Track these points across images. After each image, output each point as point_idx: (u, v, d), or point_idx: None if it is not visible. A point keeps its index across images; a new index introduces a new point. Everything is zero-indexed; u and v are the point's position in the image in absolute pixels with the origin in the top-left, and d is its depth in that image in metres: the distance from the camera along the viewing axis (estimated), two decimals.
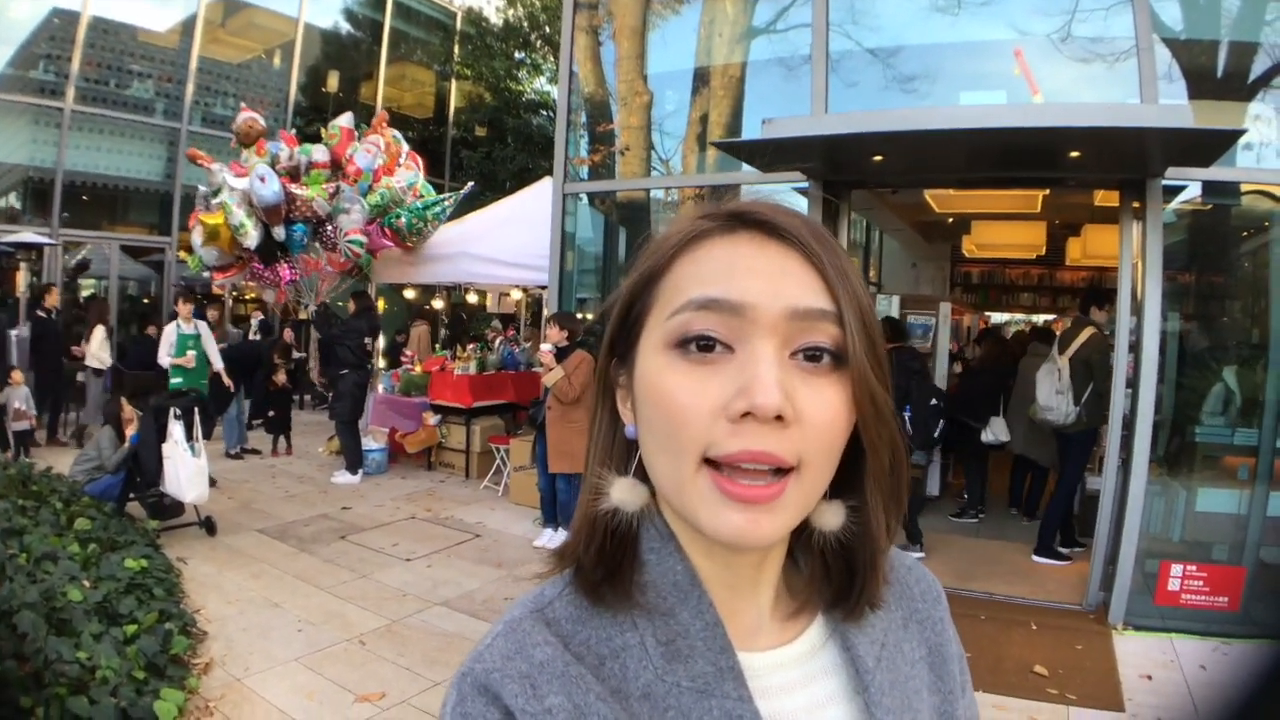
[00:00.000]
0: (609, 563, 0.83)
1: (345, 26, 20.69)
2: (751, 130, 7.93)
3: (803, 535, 0.85)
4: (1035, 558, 7.42)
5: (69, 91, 15.19)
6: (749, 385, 0.73)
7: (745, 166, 7.28)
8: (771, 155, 6.49)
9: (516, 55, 21.84)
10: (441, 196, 11.49)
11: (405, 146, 11.56)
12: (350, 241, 10.35)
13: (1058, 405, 7.13)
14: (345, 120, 11.22)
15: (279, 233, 10.25)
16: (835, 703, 0.88)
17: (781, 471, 0.75)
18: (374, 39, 20.99)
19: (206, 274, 11.41)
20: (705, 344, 0.76)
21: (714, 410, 0.74)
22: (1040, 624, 6.09)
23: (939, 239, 13.27)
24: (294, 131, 11.90)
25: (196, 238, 10.69)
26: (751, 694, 0.81)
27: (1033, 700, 4.94)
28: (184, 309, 10.13)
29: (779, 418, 0.73)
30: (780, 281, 0.76)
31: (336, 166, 10.81)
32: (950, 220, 11.54)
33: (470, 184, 12.58)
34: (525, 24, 22.01)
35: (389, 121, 11.75)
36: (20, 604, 4.42)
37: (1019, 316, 16.87)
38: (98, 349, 11.61)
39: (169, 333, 10.08)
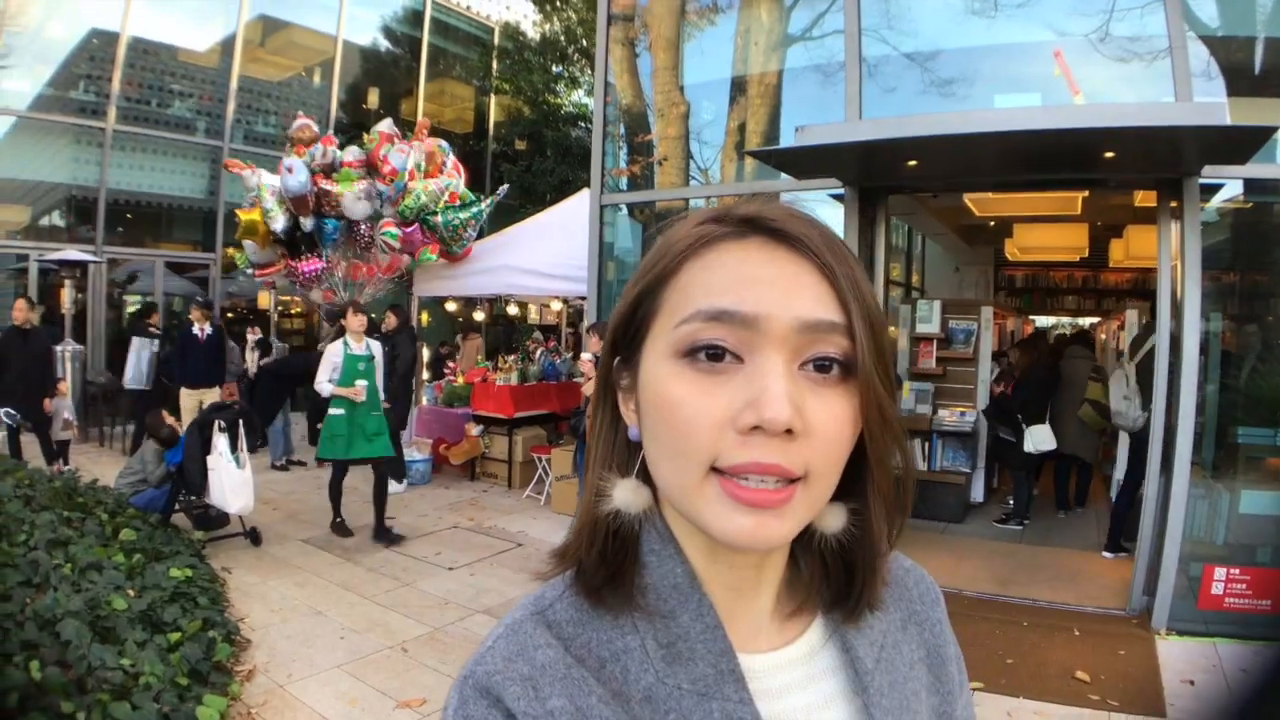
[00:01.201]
0: (610, 565, 0.84)
1: (384, 43, 20.77)
2: (788, 137, 7.91)
3: (804, 537, 0.85)
4: (1105, 554, 7.53)
5: (110, 111, 15.32)
6: (758, 398, 0.73)
7: (782, 175, 7.28)
8: (806, 163, 6.51)
9: (554, 69, 21.85)
10: (478, 197, 11.60)
11: (450, 156, 11.63)
12: (385, 234, 10.49)
13: (1127, 410, 7.16)
14: (385, 125, 11.35)
15: (307, 224, 10.41)
16: (834, 704, 0.89)
17: (789, 480, 0.75)
18: (413, 55, 21.06)
19: (250, 271, 11.55)
20: (714, 353, 0.76)
21: (721, 421, 0.74)
22: (1083, 629, 6.03)
23: (981, 243, 13.23)
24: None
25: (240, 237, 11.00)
26: (752, 696, 0.82)
27: (1074, 707, 4.88)
28: (355, 320, 8.32)
29: (788, 431, 0.73)
30: (791, 293, 0.76)
31: (371, 168, 10.93)
32: (992, 224, 11.50)
33: (504, 185, 12.59)
34: (562, 38, 22.01)
35: (430, 132, 11.80)
36: (64, 612, 4.50)
37: (1064, 320, 16.77)
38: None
39: (333, 353, 8.28)
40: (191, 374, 10.91)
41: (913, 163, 6.37)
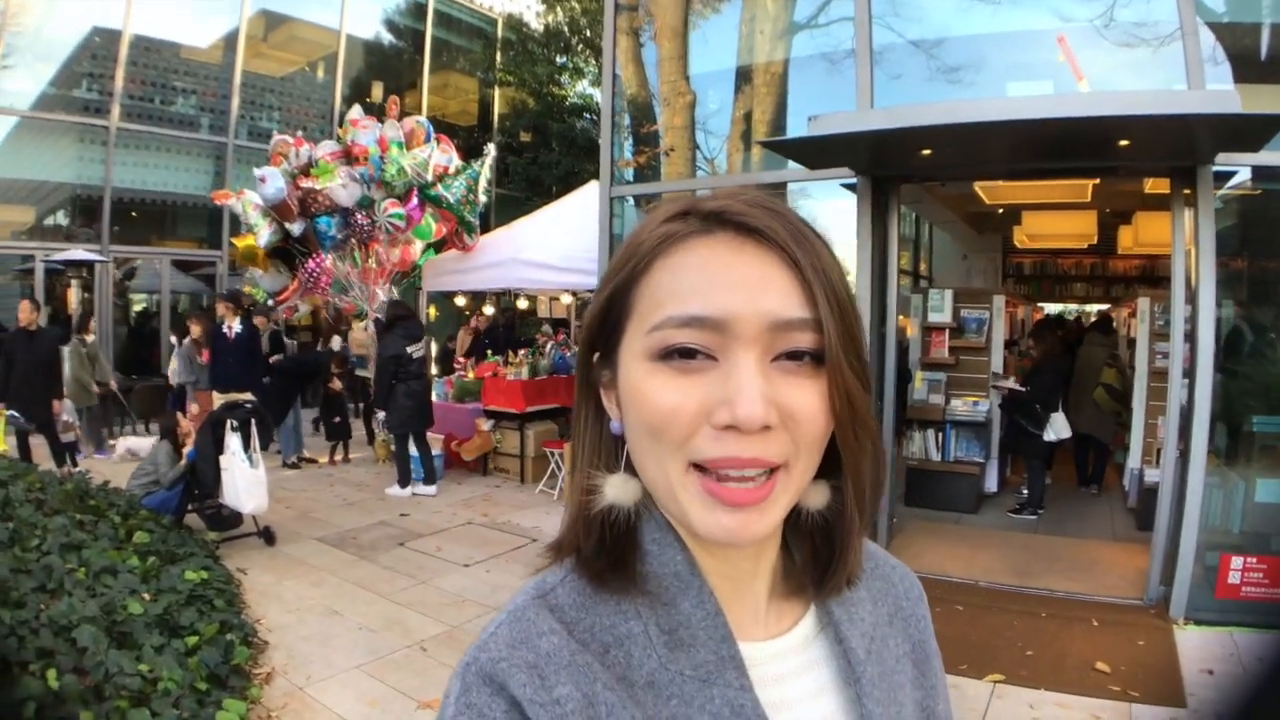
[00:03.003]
0: (611, 554, 0.84)
1: (387, 37, 20.81)
2: (796, 126, 7.95)
3: (791, 516, 0.86)
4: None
5: (114, 109, 15.37)
6: (733, 397, 0.74)
7: (791, 164, 7.23)
8: (819, 152, 6.47)
9: (558, 60, 21.83)
10: (469, 163, 11.62)
11: (429, 129, 11.52)
12: (391, 216, 10.46)
13: None
14: (354, 113, 11.38)
15: (295, 229, 10.35)
16: (828, 692, 0.91)
17: (769, 470, 0.77)
18: (416, 48, 21.08)
19: (270, 301, 11.48)
20: (687, 353, 0.77)
21: (697, 416, 0.76)
22: (1101, 620, 6.00)
23: (990, 230, 13.20)
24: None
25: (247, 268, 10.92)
26: (752, 683, 0.83)
27: (1095, 698, 4.87)
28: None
29: (765, 427, 0.75)
30: (760, 291, 0.77)
31: (348, 156, 10.95)
32: (1000, 211, 11.45)
33: (490, 145, 12.52)
34: (566, 28, 22.03)
35: (436, 126, 11.79)
36: (80, 618, 4.48)
37: (1072, 307, 16.74)
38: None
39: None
40: (221, 375, 10.59)
41: (927, 151, 6.34)
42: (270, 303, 11.52)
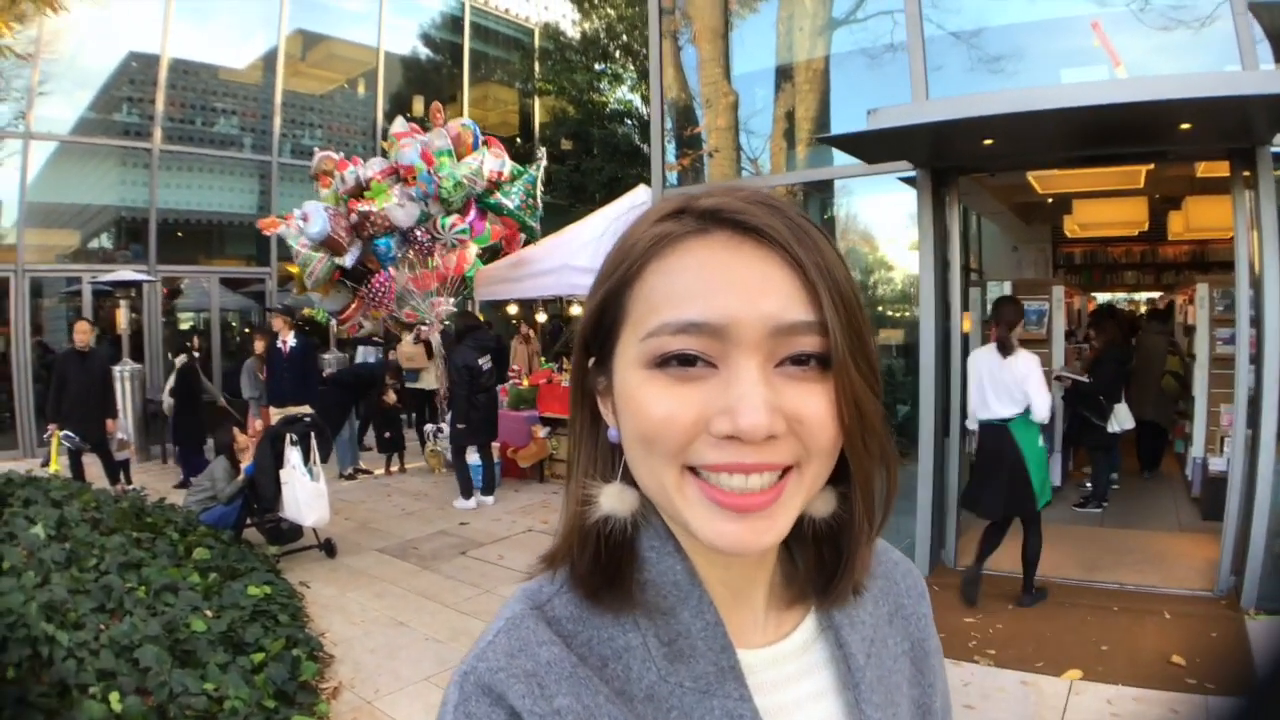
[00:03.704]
0: (607, 570, 0.82)
1: (425, 52, 20.93)
2: (841, 122, 7.88)
3: (796, 524, 0.82)
4: None
5: (155, 132, 15.50)
6: (734, 406, 0.71)
7: (839, 159, 7.24)
8: (879, 146, 6.42)
9: (596, 67, 21.88)
10: (524, 168, 11.51)
11: (476, 131, 11.41)
12: (457, 233, 10.45)
13: None
14: (397, 126, 11.27)
15: (347, 260, 10.32)
16: (827, 696, 0.89)
17: (781, 471, 0.75)
18: (455, 62, 21.18)
19: (332, 321, 11.50)
20: (685, 359, 0.74)
21: (694, 425, 0.73)
22: (1173, 612, 5.94)
23: (1039, 220, 13.02)
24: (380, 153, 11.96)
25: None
26: (751, 692, 0.81)
27: (1172, 692, 4.82)
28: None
29: (770, 437, 0.72)
30: (760, 294, 0.73)
31: (396, 173, 10.86)
32: (1050, 201, 11.33)
33: (542, 150, 12.40)
34: (603, 35, 22.08)
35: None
36: (142, 637, 4.45)
37: (1122, 295, 16.56)
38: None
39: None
40: (276, 390, 10.54)
41: (989, 141, 6.26)
42: (334, 323, 11.53)
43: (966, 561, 6.58)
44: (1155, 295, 15.13)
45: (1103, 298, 16.30)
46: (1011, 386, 6.06)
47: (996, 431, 6.17)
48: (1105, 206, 11.09)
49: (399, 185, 10.54)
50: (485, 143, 11.37)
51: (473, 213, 10.64)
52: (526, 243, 11.80)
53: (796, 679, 0.88)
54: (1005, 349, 6.09)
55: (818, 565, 0.90)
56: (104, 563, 5.44)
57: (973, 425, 6.55)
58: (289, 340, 10.53)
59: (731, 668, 0.81)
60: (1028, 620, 5.89)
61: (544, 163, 11.62)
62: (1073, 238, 13.43)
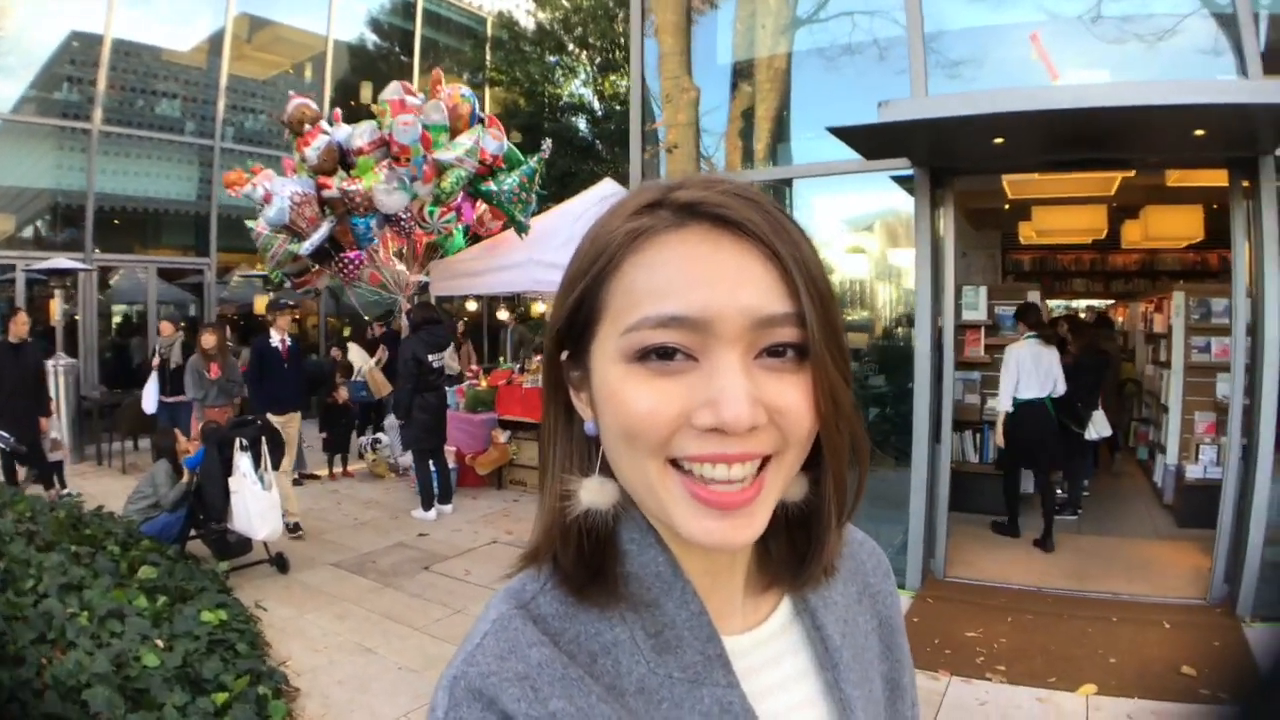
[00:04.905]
0: (591, 564, 0.82)
1: (374, 38, 20.69)
2: (802, 122, 8.20)
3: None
4: None
5: (96, 113, 15.07)
6: (716, 399, 0.72)
7: (830, 157, 7.12)
8: (883, 140, 6.34)
9: (550, 59, 21.86)
10: (525, 156, 10.71)
11: (474, 103, 10.44)
12: (445, 221, 10.18)
13: None
14: (391, 92, 10.15)
15: (306, 247, 9.63)
16: (806, 677, 0.92)
17: (760, 462, 0.76)
18: (405, 49, 21.01)
19: (288, 284, 10.89)
20: (665, 353, 0.74)
21: (676, 419, 0.73)
22: (1172, 622, 5.97)
23: (989, 227, 13.11)
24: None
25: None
26: (738, 679, 0.82)
27: (1189, 704, 4.87)
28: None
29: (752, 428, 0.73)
30: (739, 286, 0.74)
31: (386, 148, 9.89)
32: (1006, 207, 11.39)
33: (547, 141, 11.59)
34: (558, 27, 22.04)
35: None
36: (90, 676, 4.02)
37: (1075, 303, 16.71)
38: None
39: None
40: (269, 395, 9.43)
41: (999, 140, 6.22)
42: (288, 284, 10.88)
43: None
44: (1108, 303, 15.29)
45: (1052, 304, 16.40)
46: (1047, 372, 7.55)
47: (1037, 408, 7.56)
48: (1066, 213, 11.19)
49: (388, 165, 9.71)
50: (483, 121, 10.49)
51: (460, 198, 10.07)
52: None
53: (777, 661, 0.90)
54: (1048, 341, 7.60)
55: (790, 549, 0.92)
56: (42, 584, 5.02)
57: (1007, 407, 7.62)
58: (285, 339, 9.65)
59: (719, 655, 0.82)
60: (1030, 633, 5.88)
61: (547, 154, 10.81)
62: (1025, 244, 13.46)
